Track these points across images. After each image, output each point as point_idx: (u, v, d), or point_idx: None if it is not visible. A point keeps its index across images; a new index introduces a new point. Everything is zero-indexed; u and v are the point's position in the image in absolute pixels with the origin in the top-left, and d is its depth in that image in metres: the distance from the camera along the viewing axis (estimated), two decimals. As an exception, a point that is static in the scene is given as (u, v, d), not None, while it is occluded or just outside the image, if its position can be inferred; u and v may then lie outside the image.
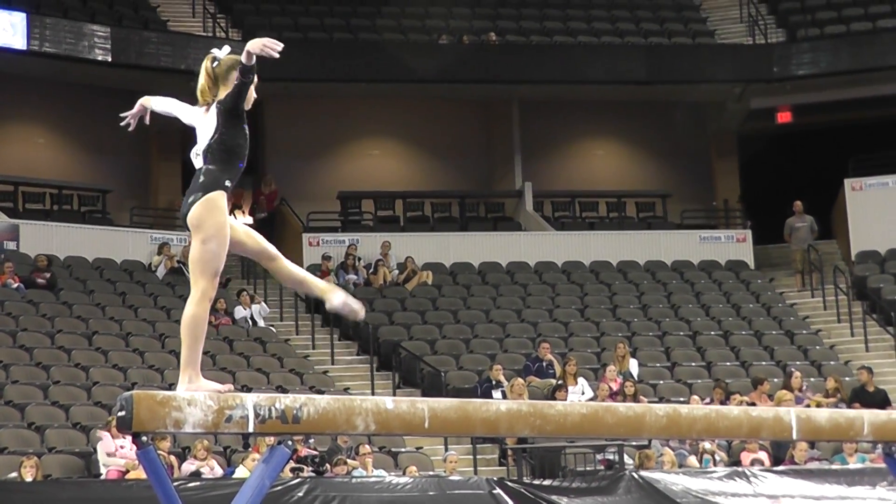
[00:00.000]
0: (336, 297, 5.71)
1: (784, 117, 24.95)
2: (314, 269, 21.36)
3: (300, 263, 21.78)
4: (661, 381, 18.33)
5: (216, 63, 5.58)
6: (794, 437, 6.46)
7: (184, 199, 5.52)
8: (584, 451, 15.18)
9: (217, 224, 5.42)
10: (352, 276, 21.21)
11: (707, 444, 15.31)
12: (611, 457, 15.36)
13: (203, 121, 5.57)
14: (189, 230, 5.51)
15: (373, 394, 17.54)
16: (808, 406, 15.26)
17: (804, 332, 20.54)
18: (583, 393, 16.94)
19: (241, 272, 21.83)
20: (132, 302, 19.16)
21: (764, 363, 19.17)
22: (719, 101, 24.69)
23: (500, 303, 20.99)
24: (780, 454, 15.37)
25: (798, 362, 19.03)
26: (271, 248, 5.73)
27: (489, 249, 22.59)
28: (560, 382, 16.98)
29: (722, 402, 15.97)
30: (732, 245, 23.28)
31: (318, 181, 24.49)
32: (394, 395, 17.64)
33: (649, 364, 18.89)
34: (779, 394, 16.16)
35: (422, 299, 20.87)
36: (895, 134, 24.50)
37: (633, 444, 15.00)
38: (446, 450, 15.85)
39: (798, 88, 24.04)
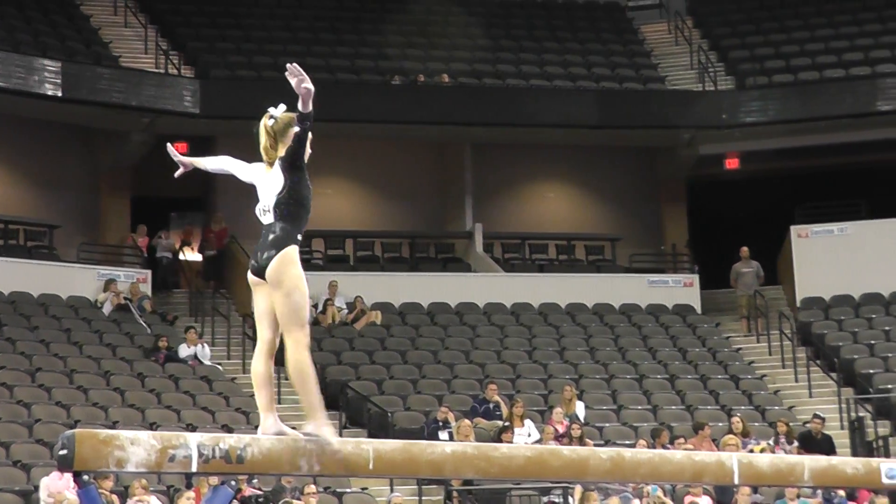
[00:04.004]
0: (326, 431, 5.52)
1: (732, 164, 25.20)
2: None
3: (248, 301, 21.82)
4: (608, 424, 18.39)
5: (273, 121, 5.77)
6: (736, 481, 6.51)
7: (254, 253, 5.70)
8: (529, 494, 15.18)
9: (296, 276, 5.62)
10: (300, 315, 21.13)
11: (651, 488, 15.35)
12: (556, 499, 15.36)
13: (267, 178, 5.76)
14: (259, 284, 5.70)
15: (319, 434, 17.44)
16: (752, 451, 15.35)
17: (749, 376, 20.67)
18: (529, 435, 16.96)
19: (189, 309, 21.69)
20: (77, 339, 19.00)
21: (709, 407, 19.28)
22: (669, 146, 24.90)
23: (448, 344, 20.99)
24: (724, 498, 15.44)
25: (742, 407, 19.16)
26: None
27: (438, 290, 22.60)
28: (507, 424, 16.99)
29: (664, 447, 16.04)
30: (680, 289, 23.42)
31: (269, 219, 24.42)
32: (340, 435, 17.55)
33: (596, 407, 18.95)
34: (724, 439, 16.26)
35: (370, 339, 20.83)
36: (841, 182, 24.82)
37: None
38: (391, 491, 15.79)
39: (747, 135, 24.29)
